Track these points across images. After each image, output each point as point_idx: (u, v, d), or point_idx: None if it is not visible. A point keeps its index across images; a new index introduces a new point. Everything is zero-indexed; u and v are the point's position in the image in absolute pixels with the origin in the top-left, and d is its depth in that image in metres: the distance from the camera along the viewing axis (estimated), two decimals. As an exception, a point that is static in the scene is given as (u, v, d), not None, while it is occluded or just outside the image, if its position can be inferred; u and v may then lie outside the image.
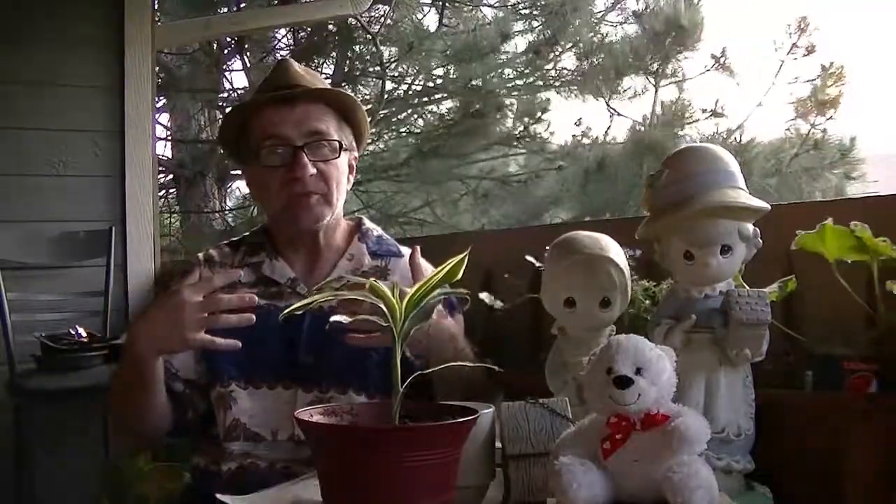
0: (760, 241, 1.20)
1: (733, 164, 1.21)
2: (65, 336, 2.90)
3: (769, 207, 1.19)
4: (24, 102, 3.27)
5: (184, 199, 6.51)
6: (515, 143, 6.63)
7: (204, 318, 1.41)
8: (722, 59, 6.51)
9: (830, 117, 6.14)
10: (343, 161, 1.63)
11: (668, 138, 6.08)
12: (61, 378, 2.80)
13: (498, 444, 1.18)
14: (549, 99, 6.50)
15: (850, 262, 1.21)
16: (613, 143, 6.56)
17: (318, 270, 1.65)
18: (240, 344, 1.43)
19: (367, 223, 1.75)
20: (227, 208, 6.58)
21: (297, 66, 1.67)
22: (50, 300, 3.13)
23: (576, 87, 6.50)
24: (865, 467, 1.10)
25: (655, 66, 6.52)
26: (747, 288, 1.20)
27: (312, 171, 1.57)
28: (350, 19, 5.32)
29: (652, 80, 6.64)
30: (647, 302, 1.38)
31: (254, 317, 1.44)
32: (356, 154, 1.70)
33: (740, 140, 6.08)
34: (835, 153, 6.08)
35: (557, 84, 6.61)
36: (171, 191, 6.62)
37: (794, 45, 6.24)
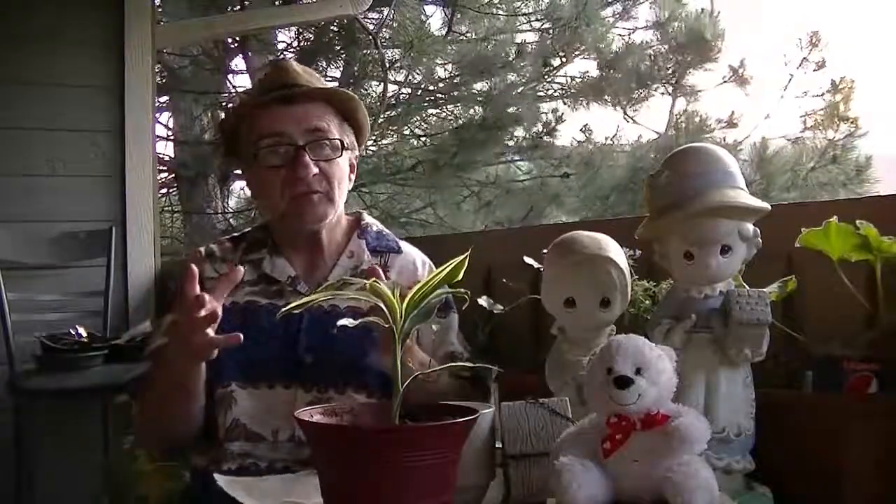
0: (760, 241, 1.19)
1: (733, 165, 1.21)
2: (65, 336, 2.90)
3: (769, 207, 1.19)
4: (24, 102, 3.27)
5: (186, 200, 6.51)
6: (523, 152, 6.62)
7: (202, 318, 1.39)
8: (741, 71, 6.52)
9: (850, 134, 6.17)
10: (344, 160, 1.63)
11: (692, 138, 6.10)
12: (61, 378, 2.80)
13: (498, 444, 1.18)
14: (562, 114, 6.50)
15: (852, 260, 1.21)
16: (625, 148, 6.55)
17: (320, 269, 1.65)
18: (241, 337, 1.42)
19: (367, 218, 1.75)
20: (230, 209, 6.58)
21: (296, 66, 1.66)
22: (50, 300, 3.13)
23: (583, 97, 6.51)
24: (865, 467, 1.10)
25: (675, 76, 6.52)
26: (747, 288, 1.20)
27: (315, 170, 1.57)
28: (354, 21, 5.32)
29: (669, 90, 6.65)
30: (647, 302, 1.38)
31: (242, 269, 1.45)
32: (357, 153, 1.70)
33: (762, 150, 6.08)
34: (851, 170, 6.10)
35: (566, 96, 6.61)
36: (172, 190, 6.62)
37: (805, 59, 6.26)
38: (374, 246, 1.69)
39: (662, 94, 6.67)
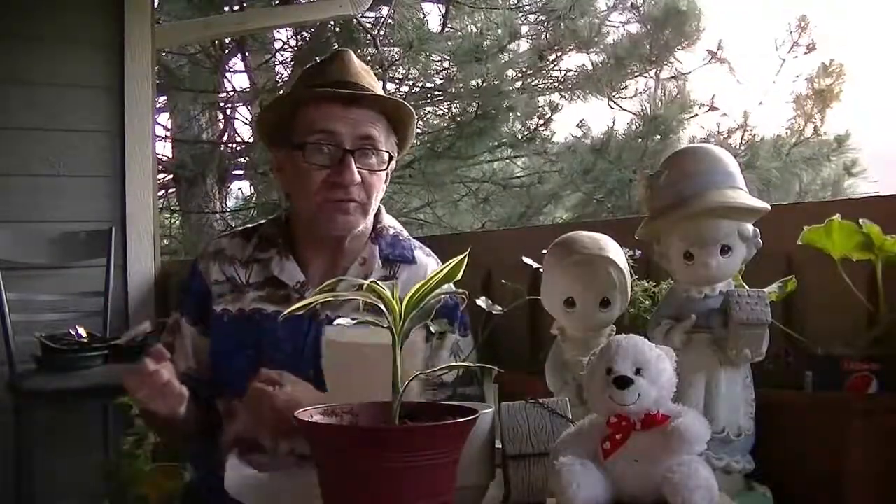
0: (760, 241, 1.19)
1: (733, 165, 1.21)
2: (65, 336, 2.90)
3: (769, 207, 1.19)
4: (24, 102, 3.27)
5: (184, 200, 6.51)
6: (519, 146, 6.62)
7: (150, 393, 1.40)
8: (718, 52, 6.56)
9: (829, 107, 6.22)
10: (385, 173, 1.59)
11: (672, 116, 6.12)
12: (61, 378, 2.80)
13: (498, 444, 1.18)
14: (557, 103, 6.49)
15: (854, 259, 1.21)
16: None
17: (331, 276, 1.54)
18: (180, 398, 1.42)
19: (385, 219, 1.68)
20: (228, 209, 6.58)
21: (357, 62, 1.60)
22: (50, 300, 3.13)
23: (579, 90, 6.51)
24: (866, 467, 1.10)
25: (655, 55, 6.54)
26: (747, 288, 1.20)
27: (358, 178, 1.52)
28: (352, 20, 5.33)
29: (652, 73, 6.66)
30: (647, 302, 1.38)
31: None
32: (394, 165, 1.64)
33: (746, 137, 6.14)
34: (832, 143, 6.18)
35: (561, 87, 6.62)
36: (171, 191, 6.62)
37: (795, 43, 6.29)
38: (387, 254, 1.62)
39: (645, 88, 6.70)
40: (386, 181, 1.62)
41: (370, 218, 1.61)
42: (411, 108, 1.61)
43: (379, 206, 1.68)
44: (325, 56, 1.65)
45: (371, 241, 1.63)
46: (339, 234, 1.57)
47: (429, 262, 1.66)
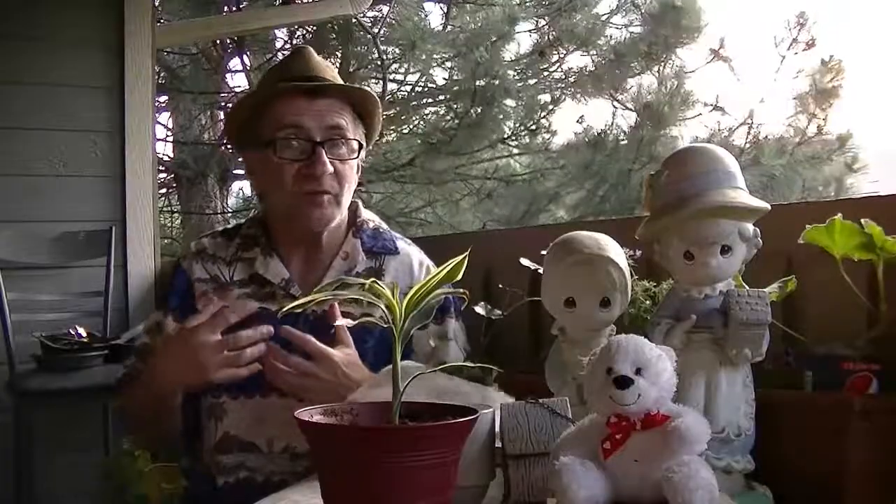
0: (760, 241, 1.19)
1: (733, 165, 1.21)
2: (65, 336, 2.90)
3: (769, 207, 1.19)
4: (24, 102, 3.26)
5: (185, 200, 6.51)
6: (518, 143, 6.62)
7: (225, 358, 1.40)
8: (721, 50, 6.57)
9: (830, 105, 6.24)
10: (356, 162, 1.60)
11: (671, 111, 6.13)
12: (61, 378, 2.80)
13: (498, 444, 1.18)
14: (557, 98, 6.48)
15: (855, 259, 1.21)
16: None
17: (314, 271, 1.61)
18: (259, 367, 1.42)
19: (364, 213, 1.70)
20: (229, 209, 6.57)
21: (317, 56, 1.62)
22: (50, 300, 3.13)
23: (580, 89, 6.51)
24: (865, 467, 1.10)
25: (654, 51, 6.54)
26: (747, 288, 1.20)
27: (330, 169, 1.53)
28: (351, 19, 5.33)
29: (653, 70, 6.67)
30: (647, 302, 1.38)
31: (265, 346, 1.43)
32: (364, 155, 1.66)
33: (750, 135, 6.16)
34: (834, 142, 6.21)
35: (562, 86, 6.62)
36: (171, 191, 6.62)
37: (795, 40, 6.30)
38: (370, 247, 1.64)
39: (650, 75, 6.69)
40: (358, 172, 1.63)
41: (344, 210, 1.62)
42: (376, 96, 1.63)
43: (357, 202, 1.71)
44: (285, 55, 1.67)
45: (353, 234, 1.64)
46: (316, 230, 1.58)
47: (412, 251, 1.69)
